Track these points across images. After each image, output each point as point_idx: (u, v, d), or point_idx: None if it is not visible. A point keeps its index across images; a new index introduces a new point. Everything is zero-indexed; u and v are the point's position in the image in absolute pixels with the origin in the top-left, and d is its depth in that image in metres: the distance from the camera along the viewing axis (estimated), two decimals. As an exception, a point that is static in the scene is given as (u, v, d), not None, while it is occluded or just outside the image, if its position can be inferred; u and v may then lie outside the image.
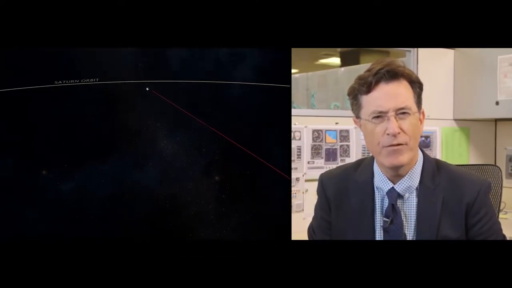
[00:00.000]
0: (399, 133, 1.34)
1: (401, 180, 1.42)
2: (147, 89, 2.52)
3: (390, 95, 1.35)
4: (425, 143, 3.20)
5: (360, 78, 1.39)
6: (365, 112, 1.39)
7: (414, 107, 1.37)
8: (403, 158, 1.36)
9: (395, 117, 1.34)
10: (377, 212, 1.45)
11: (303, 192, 2.75)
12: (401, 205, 1.43)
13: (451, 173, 1.44)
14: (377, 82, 1.35)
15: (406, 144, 1.35)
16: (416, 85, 1.39)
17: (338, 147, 2.90)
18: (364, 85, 1.37)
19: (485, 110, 3.09)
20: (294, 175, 2.71)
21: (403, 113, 1.35)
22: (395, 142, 1.35)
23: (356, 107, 1.43)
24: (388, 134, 1.34)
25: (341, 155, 2.90)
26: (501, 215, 2.70)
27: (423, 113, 1.42)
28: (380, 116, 1.36)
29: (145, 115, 2.53)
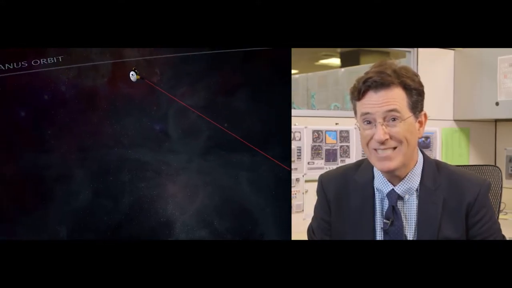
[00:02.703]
0: (386, 139, 1.34)
1: (401, 182, 1.42)
2: (132, 73, 2.44)
3: (377, 103, 1.35)
4: (425, 143, 3.20)
5: (357, 81, 1.40)
6: (358, 116, 1.42)
7: (406, 112, 1.35)
8: (392, 163, 1.37)
9: (383, 124, 1.34)
10: (377, 214, 1.45)
11: (303, 193, 2.75)
12: (401, 206, 1.43)
13: (451, 174, 1.44)
14: (365, 91, 1.36)
15: (394, 149, 1.36)
16: (413, 92, 1.37)
17: (338, 147, 2.90)
18: (355, 92, 1.39)
19: (485, 111, 3.09)
20: (294, 175, 2.71)
21: (393, 119, 1.35)
22: (382, 147, 1.36)
23: (353, 109, 1.46)
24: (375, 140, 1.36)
25: (341, 156, 2.90)
26: (501, 216, 2.70)
27: (425, 115, 1.41)
28: (369, 122, 1.38)
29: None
